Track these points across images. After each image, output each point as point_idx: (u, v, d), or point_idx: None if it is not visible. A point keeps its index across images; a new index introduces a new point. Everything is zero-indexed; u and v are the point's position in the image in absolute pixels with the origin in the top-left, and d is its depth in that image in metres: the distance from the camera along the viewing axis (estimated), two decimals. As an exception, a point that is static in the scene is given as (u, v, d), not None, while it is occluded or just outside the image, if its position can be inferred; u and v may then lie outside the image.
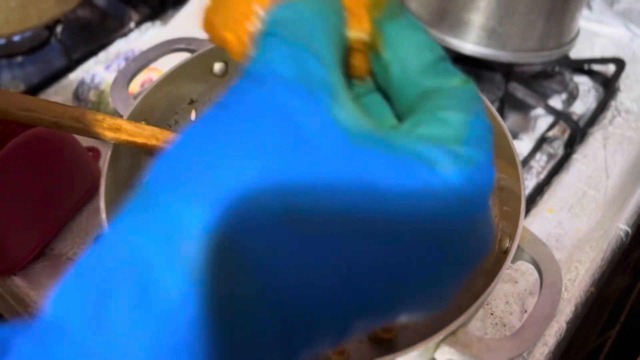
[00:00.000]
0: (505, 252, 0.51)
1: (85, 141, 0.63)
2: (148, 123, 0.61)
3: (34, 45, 0.91)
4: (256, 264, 0.17)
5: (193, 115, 0.67)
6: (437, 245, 0.19)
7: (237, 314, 0.17)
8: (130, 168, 0.59)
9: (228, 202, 0.17)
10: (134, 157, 0.59)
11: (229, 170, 0.17)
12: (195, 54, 0.63)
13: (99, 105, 0.76)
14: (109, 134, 0.53)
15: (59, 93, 0.83)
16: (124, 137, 0.53)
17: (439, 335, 0.45)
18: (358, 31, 0.23)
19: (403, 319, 0.22)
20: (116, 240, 0.19)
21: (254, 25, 0.24)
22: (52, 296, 0.18)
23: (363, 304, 0.19)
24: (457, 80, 0.22)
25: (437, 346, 0.46)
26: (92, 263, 0.18)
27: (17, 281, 0.65)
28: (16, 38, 0.89)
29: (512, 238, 0.52)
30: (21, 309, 0.65)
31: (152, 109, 0.61)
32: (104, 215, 0.51)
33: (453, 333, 0.46)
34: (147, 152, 0.56)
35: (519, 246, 0.51)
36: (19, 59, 0.90)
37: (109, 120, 0.53)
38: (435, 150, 0.19)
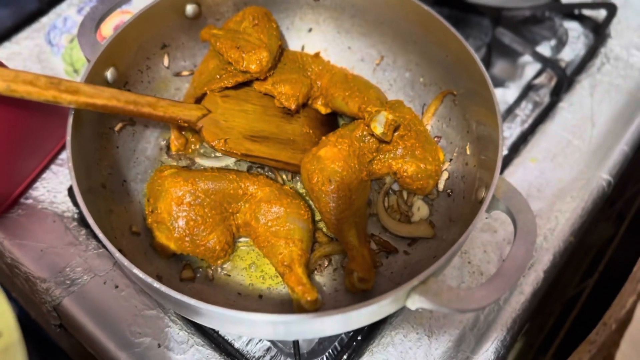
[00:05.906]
0: (481, 202, 0.51)
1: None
2: (117, 69, 0.58)
3: (5, -14, 0.87)
4: None
5: (166, 61, 0.65)
6: None
7: None
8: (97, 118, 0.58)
9: None
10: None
11: None
12: (165, -5, 0.60)
13: (72, 51, 0.73)
14: (67, 97, 0.51)
15: (31, 37, 0.80)
16: (82, 99, 0.51)
17: (409, 284, 0.44)
18: None
19: None
20: None
21: None
22: None
23: None
24: None
25: (408, 295, 0.46)
26: None
27: (-8, 230, 0.65)
28: (-14, -21, 0.85)
29: (488, 188, 0.51)
30: (-3, 258, 0.65)
31: (121, 54, 0.59)
32: (70, 164, 0.50)
33: (423, 282, 0.45)
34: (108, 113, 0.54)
35: (494, 196, 0.50)
36: (-10, 1, 0.86)
37: (66, 83, 0.51)
38: None
